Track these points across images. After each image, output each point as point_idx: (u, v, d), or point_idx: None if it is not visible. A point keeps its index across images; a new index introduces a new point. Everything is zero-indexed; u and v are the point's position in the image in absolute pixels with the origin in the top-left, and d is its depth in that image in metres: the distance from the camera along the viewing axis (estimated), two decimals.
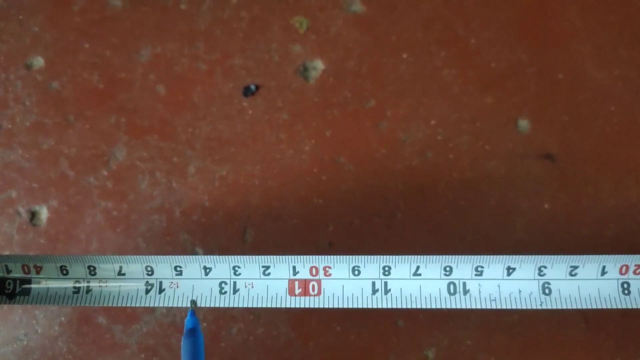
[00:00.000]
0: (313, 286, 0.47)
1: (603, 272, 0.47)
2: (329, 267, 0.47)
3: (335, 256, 0.47)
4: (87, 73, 0.65)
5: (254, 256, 0.47)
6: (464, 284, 0.47)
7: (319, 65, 0.65)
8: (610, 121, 0.63)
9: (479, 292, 0.47)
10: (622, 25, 0.65)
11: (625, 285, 0.47)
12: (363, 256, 0.47)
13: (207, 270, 0.48)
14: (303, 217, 0.62)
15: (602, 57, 0.64)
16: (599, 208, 0.61)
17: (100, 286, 0.48)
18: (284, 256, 0.47)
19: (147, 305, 0.47)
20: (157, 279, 0.48)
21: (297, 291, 0.47)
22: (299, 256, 0.47)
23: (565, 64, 0.64)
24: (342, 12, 0.66)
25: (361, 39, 0.65)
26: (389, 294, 0.47)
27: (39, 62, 0.65)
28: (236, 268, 0.47)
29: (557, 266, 0.47)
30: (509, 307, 0.46)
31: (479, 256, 0.47)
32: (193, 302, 0.48)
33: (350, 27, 0.66)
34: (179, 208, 0.63)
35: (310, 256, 0.47)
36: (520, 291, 0.47)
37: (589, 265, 0.47)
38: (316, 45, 0.65)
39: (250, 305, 0.47)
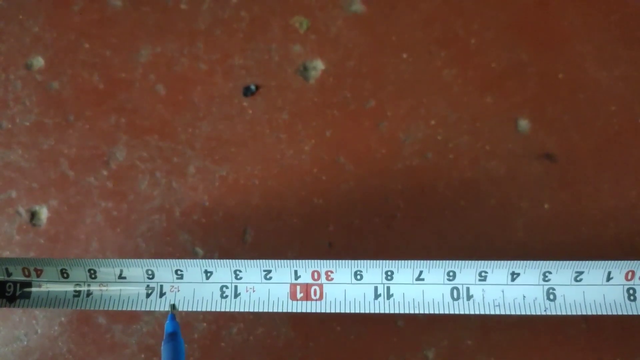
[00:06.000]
0: (315, 291, 0.47)
1: (608, 278, 0.46)
2: (331, 272, 0.47)
3: (337, 260, 0.47)
4: (87, 73, 0.65)
5: (255, 260, 0.47)
6: (468, 289, 0.47)
7: (319, 65, 0.65)
8: (610, 121, 0.63)
9: (483, 297, 0.47)
10: (622, 25, 0.65)
11: (631, 292, 0.46)
12: (365, 261, 0.47)
13: (208, 274, 0.47)
14: (303, 217, 0.62)
15: (602, 57, 0.64)
16: (599, 208, 0.61)
17: (100, 290, 0.48)
18: (285, 260, 0.47)
19: (147, 309, 0.47)
20: (157, 282, 0.48)
21: (299, 296, 0.47)
22: (300, 260, 0.47)
23: (565, 64, 0.64)
24: (342, 12, 0.66)
25: (361, 39, 0.65)
26: (391, 299, 0.47)
27: (39, 62, 0.65)
28: (237, 272, 0.47)
29: (562, 272, 0.46)
30: (513, 312, 0.46)
31: (482, 261, 0.47)
32: (173, 307, 0.48)
33: (350, 27, 0.65)
34: (179, 208, 0.63)
35: (312, 260, 0.47)
36: (524, 297, 0.46)
37: (594, 270, 0.46)
38: (316, 45, 0.65)
39: (251, 310, 0.47)
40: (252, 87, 0.64)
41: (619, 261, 0.46)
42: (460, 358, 0.60)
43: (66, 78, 0.65)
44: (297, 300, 0.47)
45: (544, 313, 0.46)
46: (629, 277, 0.46)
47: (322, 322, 0.61)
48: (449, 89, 0.64)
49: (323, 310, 0.47)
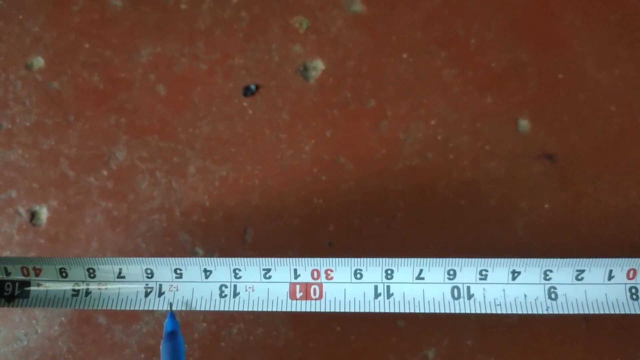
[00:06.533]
0: (314, 290, 0.47)
1: (610, 277, 0.46)
2: (331, 270, 0.47)
3: (337, 259, 0.47)
4: (87, 73, 0.65)
5: (254, 259, 0.47)
6: (468, 288, 0.47)
7: (319, 65, 0.65)
8: (610, 121, 0.63)
9: (484, 296, 0.46)
10: (622, 25, 0.65)
11: (633, 290, 0.46)
12: (365, 259, 0.47)
13: (208, 273, 0.47)
14: (303, 217, 0.62)
15: (602, 57, 0.64)
16: (599, 208, 0.61)
17: (99, 289, 0.48)
18: (285, 259, 0.47)
19: (146, 308, 0.47)
20: (156, 281, 0.48)
21: (299, 295, 0.47)
22: (300, 259, 0.47)
23: (565, 64, 0.64)
24: (342, 12, 0.66)
25: (361, 39, 0.65)
26: (391, 298, 0.46)
27: (39, 62, 0.65)
28: (237, 271, 0.47)
29: (563, 270, 0.46)
30: (514, 312, 0.46)
31: (483, 259, 0.46)
32: (171, 305, 0.48)
33: (350, 27, 0.65)
34: (179, 208, 0.63)
35: (312, 259, 0.47)
36: (525, 296, 0.46)
37: (595, 269, 0.46)
38: (316, 45, 0.65)
39: (250, 309, 0.46)
40: (252, 87, 0.64)
41: (620, 259, 0.46)
42: (460, 358, 0.60)
43: (66, 78, 0.65)
44: (297, 299, 0.47)
45: (545, 312, 0.46)
46: (631, 276, 0.46)
47: (322, 322, 0.61)
48: (449, 89, 0.64)
49: (323, 310, 0.47)
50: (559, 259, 0.46)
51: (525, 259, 0.46)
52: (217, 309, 0.47)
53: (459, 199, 0.62)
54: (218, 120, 0.64)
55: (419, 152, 0.63)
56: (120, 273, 0.48)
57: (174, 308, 0.48)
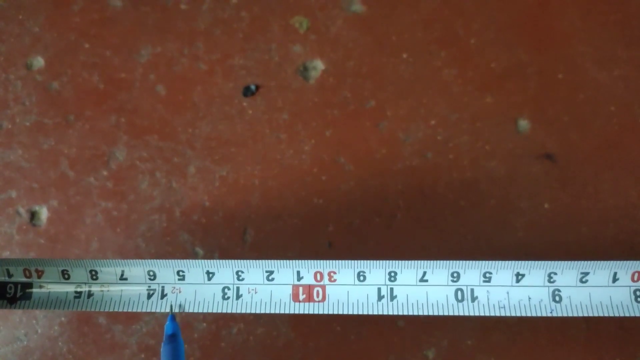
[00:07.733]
0: (317, 292, 0.47)
1: (615, 279, 0.46)
2: (334, 273, 0.47)
3: (340, 261, 0.47)
4: (87, 73, 0.65)
5: (257, 261, 0.47)
6: (472, 290, 0.47)
7: (319, 65, 0.65)
8: (610, 121, 0.63)
9: (488, 299, 0.46)
10: (622, 25, 0.65)
11: (638, 293, 0.46)
12: (368, 261, 0.47)
13: (210, 275, 0.47)
14: (303, 217, 0.62)
15: (602, 57, 0.64)
16: (599, 208, 0.61)
17: (101, 291, 0.48)
18: (288, 261, 0.47)
19: (149, 310, 0.47)
20: (159, 283, 0.48)
21: (302, 297, 0.47)
22: (303, 261, 0.47)
23: (565, 64, 0.64)
24: (342, 12, 0.66)
25: (361, 39, 0.65)
26: (394, 301, 0.46)
27: (39, 62, 0.65)
28: (239, 273, 0.47)
29: (567, 272, 0.46)
30: (518, 314, 0.46)
31: (487, 262, 0.46)
32: (172, 307, 0.48)
33: (350, 27, 0.65)
34: (179, 208, 0.63)
35: (315, 261, 0.47)
36: (529, 298, 0.46)
37: (600, 271, 0.46)
38: (316, 45, 0.65)
39: (253, 311, 0.46)
40: (252, 87, 0.64)
41: (625, 261, 0.46)
42: (460, 358, 0.60)
43: (66, 78, 0.65)
44: (300, 301, 0.47)
45: (549, 315, 0.46)
46: (636, 278, 0.46)
47: (322, 323, 0.61)
48: (449, 89, 0.64)
49: (326, 312, 0.46)
50: (563, 262, 0.46)
51: (529, 262, 0.46)
52: (219, 311, 0.47)
53: (459, 199, 0.62)
54: (218, 120, 0.64)
55: (419, 152, 0.63)
56: (122, 275, 0.48)
57: (178, 310, 0.47)
